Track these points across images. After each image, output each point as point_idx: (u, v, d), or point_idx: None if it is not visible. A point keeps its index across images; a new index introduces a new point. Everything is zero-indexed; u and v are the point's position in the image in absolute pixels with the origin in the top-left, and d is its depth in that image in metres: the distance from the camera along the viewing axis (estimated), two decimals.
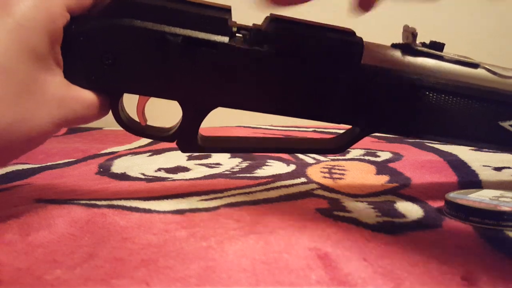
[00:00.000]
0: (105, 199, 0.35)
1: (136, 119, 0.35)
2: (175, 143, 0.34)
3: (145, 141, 0.70)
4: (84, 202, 0.34)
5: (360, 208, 0.33)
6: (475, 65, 0.34)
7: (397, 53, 0.33)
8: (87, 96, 0.31)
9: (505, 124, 0.33)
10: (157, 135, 0.35)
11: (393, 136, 0.37)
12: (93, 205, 0.33)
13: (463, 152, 0.56)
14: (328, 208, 0.33)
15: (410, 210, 0.33)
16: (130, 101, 0.35)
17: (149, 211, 0.32)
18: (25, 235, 0.27)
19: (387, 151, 0.58)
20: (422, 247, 0.26)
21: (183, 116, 0.33)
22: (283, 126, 0.88)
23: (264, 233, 0.28)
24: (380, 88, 0.32)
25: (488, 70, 0.33)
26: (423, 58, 0.33)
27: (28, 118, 0.27)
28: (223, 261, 0.24)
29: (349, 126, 0.35)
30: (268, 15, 0.32)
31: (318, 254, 0.25)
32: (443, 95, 0.33)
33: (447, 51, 0.34)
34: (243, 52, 0.31)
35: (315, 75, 0.32)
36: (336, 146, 0.35)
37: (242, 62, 0.31)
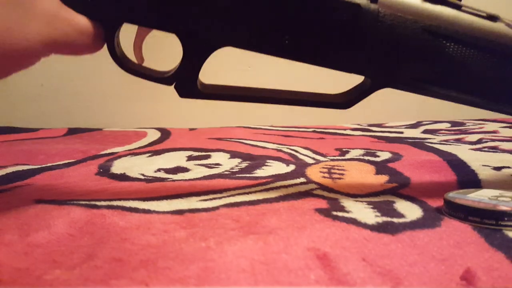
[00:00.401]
0: (104, 200, 0.35)
1: (133, 59, 0.33)
2: (173, 86, 0.32)
3: (144, 141, 0.70)
4: (83, 202, 0.34)
5: (359, 208, 0.33)
6: (494, 18, 0.32)
7: (415, 0, 0.31)
8: (81, 21, 0.29)
9: None
10: (154, 75, 0.32)
11: (393, 136, 0.37)
12: (93, 206, 0.33)
13: (463, 152, 0.56)
14: (327, 208, 0.33)
15: (409, 210, 0.33)
16: (127, 41, 0.33)
17: (148, 211, 0.32)
18: (24, 235, 0.27)
19: (386, 151, 0.58)
20: (421, 247, 0.26)
21: (183, 54, 0.31)
22: (283, 127, 0.88)
23: (263, 233, 0.28)
24: (395, 35, 0.30)
25: (508, 24, 0.32)
26: (442, 6, 0.31)
27: (15, 29, 0.26)
28: (222, 262, 0.24)
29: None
30: None
31: (317, 254, 0.25)
32: (460, 46, 0.31)
33: (465, 3, 0.32)
34: None
35: (328, 14, 0.30)
36: (344, 100, 0.34)
37: None
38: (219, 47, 0.31)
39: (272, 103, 0.34)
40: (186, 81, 0.31)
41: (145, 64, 0.34)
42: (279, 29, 0.30)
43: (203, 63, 0.31)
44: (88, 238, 0.27)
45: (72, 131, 0.86)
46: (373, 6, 0.30)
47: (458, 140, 0.68)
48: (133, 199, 0.35)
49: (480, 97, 0.33)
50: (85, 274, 0.23)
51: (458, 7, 0.31)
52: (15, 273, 0.23)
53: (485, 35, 0.31)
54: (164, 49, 0.35)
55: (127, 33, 0.33)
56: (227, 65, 0.96)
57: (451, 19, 0.31)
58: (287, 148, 0.62)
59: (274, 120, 0.93)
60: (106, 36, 0.31)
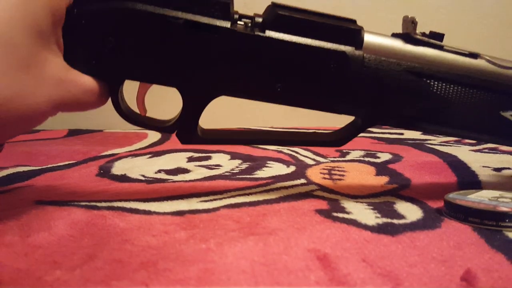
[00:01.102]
0: (105, 201, 0.35)
1: (136, 110, 0.35)
2: (175, 134, 0.34)
3: (145, 143, 0.70)
4: (84, 203, 0.34)
5: (360, 209, 0.33)
6: (475, 56, 0.34)
7: (398, 42, 0.33)
8: (87, 81, 0.30)
9: (507, 114, 0.33)
10: (157, 125, 0.34)
11: (393, 137, 0.37)
12: (93, 207, 0.33)
13: (463, 153, 0.56)
14: (328, 209, 0.33)
15: (410, 211, 0.33)
16: (130, 94, 0.35)
17: (149, 212, 0.32)
18: (25, 236, 0.27)
19: (387, 152, 0.58)
20: (421, 248, 0.26)
21: (183, 105, 0.33)
22: (284, 128, 0.88)
23: (264, 235, 0.28)
24: (381, 78, 0.32)
25: (488, 60, 0.34)
26: (424, 47, 0.33)
27: (26, 94, 0.27)
28: (222, 263, 0.24)
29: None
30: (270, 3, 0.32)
31: (317, 255, 0.25)
32: (444, 84, 0.32)
33: (446, 42, 0.34)
34: (244, 38, 0.31)
35: (316, 63, 0.32)
36: (336, 139, 0.35)
37: (244, 48, 0.31)
38: (216, 96, 0.32)
39: (269, 144, 0.36)
40: (186, 129, 0.33)
41: (148, 114, 0.35)
42: (271, 78, 0.32)
43: (202, 112, 0.33)
44: (88, 239, 0.27)
45: (72, 132, 0.86)
46: (358, 52, 0.32)
47: (458, 141, 0.68)
48: (134, 200, 0.35)
49: (469, 131, 0.35)
50: (85, 275, 0.23)
51: (440, 47, 0.33)
52: (16, 273, 0.23)
53: (467, 72, 0.33)
54: (167, 99, 0.36)
55: (131, 85, 0.34)
56: None
57: (433, 59, 0.33)
58: (288, 149, 0.62)
59: (275, 122, 0.93)
60: (111, 92, 0.32)
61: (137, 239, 0.27)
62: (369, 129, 0.87)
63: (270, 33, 0.31)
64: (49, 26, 0.28)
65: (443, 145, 0.64)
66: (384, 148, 0.61)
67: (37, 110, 0.28)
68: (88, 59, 0.30)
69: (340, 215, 0.32)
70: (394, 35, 0.34)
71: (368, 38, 0.32)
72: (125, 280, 0.22)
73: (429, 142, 0.68)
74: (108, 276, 0.22)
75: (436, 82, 0.32)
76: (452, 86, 0.33)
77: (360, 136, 0.81)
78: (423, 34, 0.33)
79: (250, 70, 0.31)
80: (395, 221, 0.30)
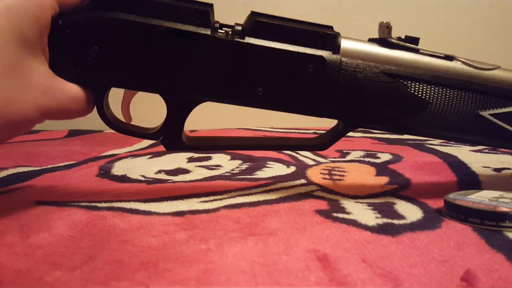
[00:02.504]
0: (105, 201, 0.35)
1: (122, 118, 0.35)
2: (159, 141, 0.34)
3: (145, 143, 0.70)
4: (84, 204, 0.34)
5: (360, 210, 0.33)
6: (450, 58, 0.34)
7: (374, 47, 0.34)
8: (73, 89, 0.31)
9: (485, 114, 0.34)
10: (142, 132, 0.35)
11: (393, 137, 0.37)
12: (93, 208, 0.33)
13: (463, 153, 0.56)
14: (328, 210, 0.33)
15: (410, 211, 0.33)
16: (116, 104, 0.35)
17: (149, 213, 0.32)
18: (25, 237, 0.27)
19: (387, 152, 0.58)
20: (421, 248, 0.26)
21: (167, 112, 0.33)
22: (283, 128, 0.88)
23: (264, 235, 0.28)
24: (358, 81, 0.33)
25: (463, 62, 0.34)
26: (400, 51, 0.34)
27: (12, 101, 0.28)
28: (222, 264, 0.24)
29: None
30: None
31: (317, 255, 0.25)
32: (420, 84, 0.33)
33: (421, 46, 0.34)
34: (224, 44, 0.31)
35: (295, 67, 0.32)
36: (320, 143, 0.36)
37: (224, 54, 0.32)
38: (200, 102, 0.33)
39: (253, 149, 0.37)
40: (171, 135, 0.34)
41: (135, 122, 0.36)
42: (252, 83, 0.33)
43: (186, 118, 0.34)
44: (88, 240, 0.27)
45: (73, 133, 0.86)
46: (335, 56, 0.33)
47: None
48: (134, 201, 0.35)
49: (450, 131, 0.35)
50: (85, 275, 0.23)
51: (415, 50, 0.34)
52: (16, 274, 0.23)
53: (443, 73, 0.34)
54: (154, 108, 0.37)
55: (117, 93, 0.35)
56: None
57: (409, 61, 0.34)
58: None
59: (275, 122, 0.93)
60: (96, 100, 0.33)
61: (137, 240, 0.27)
62: (369, 129, 0.87)
63: (249, 40, 0.32)
64: (35, 35, 0.29)
65: (443, 145, 0.64)
66: (384, 149, 0.61)
67: (23, 116, 0.29)
68: (73, 68, 0.31)
69: (340, 215, 0.32)
70: (371, 40, 0.34)
71: (345, 43, 0.33)
72: (125, 281, 0.22)
73: (429, 142, 0.68)
74: (108, 277, 0.22)
75: (412, 83, 0.33)
76: (428, 86, 0.33)
77: (360, 137, 0.81)
78: (399, 38, 0.34)
79: (232, 75, 0.32)
80: (395, 221, 0.30)
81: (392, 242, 0.27)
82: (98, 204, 0.34)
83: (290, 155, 0.57)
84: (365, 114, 0.34)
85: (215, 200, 0.36)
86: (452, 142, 0.67)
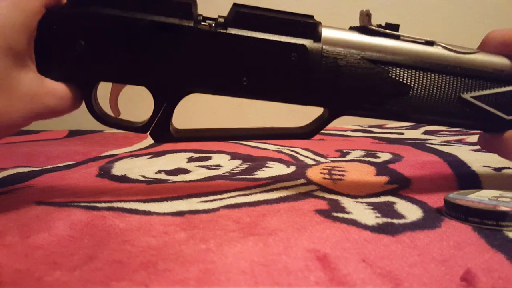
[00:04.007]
0: (105, 202, 0.35)
1: (110, 113, 0.36)
2: (148, 133, 0.35)
3: (145, 143, 0.70)
4: (84, 204, 0.34)
5: (360, 209, 0.33)
6: (431, 43, 0.35)
7: (354, 35, 0.34)
8: (60, 89, 0.31)
9: (467, 96, 0.34)
10: (130, 126, 0.35)
11: (393, 137, 0.37)
12: (93, 208, 0.33)
13: (463, 153, 0.56)
14: (328, 209, 0.33)
15: (410, 210, 0.33)
16: (104, 99, 0.36)
17: (149, 213, 0.32)
18: (25, 237, 0.27)
19: (387, 152, 0.58)
20: (421, 248, 0.26)
21: (154, 104, 0.34)
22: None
23: (263, 235, 0.28)
24: (339, 67, 0.33)
25: (444, 47, 0.35)
26: (380, 38, 0.34)
27: (1, 114, 0.28)
28: (222, 264, 0.24)
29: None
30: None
31: (317, 255, 0.25)
32: (402, 69, 0.34)
33: (402, 32, 0.35)
34: (207, 35, 0.32)
35: (277, 56, 0.33)
36: (306, 131, 0.36)
37: (208, 45, 0.32)
38: (186, 94, 0.34)
39: (242, 140, 0.37)
40: (159, 128, 0.35)
41: (123, 116, 0.37)
42: (237, 73, 0.33)
43: (173, 110, 0.34)
44: (88, 240, 0.27)
45: (73, 133, 0.86)
46: (316, 45, 0.33)
47: (459, 141, 0.68)
48: (134, 201, 0.35)
49: (435, 115, 0.35)
50: (85, 275, 0.23)
51: (396, 37, 0.35)
52: (16, 274, 0.23)
53: (423, 58, 0.34)
54: (143, 103, 0.37)
55: (104, 89, 0.36)
56: None
57: (389, 47, 0.34)
58: (288, 149, 0.62)
59: (275, 122, 0.93)
60: (84, 95, 0.33)
61: (137, 240, 0.27)
62: (369, 129, 0.87)
63: (232, 30, 0.32)
64: (23, 46, 0.29)
65: (443, 144, 0.64)
66: (384, 148, 0.61)
67: (11, 125, 0.29)
68: (61, 65, 0.32)
69: (340, 215, 0.32)
70: (351, 28, 0.35)
71: (326, 31, 0.34)
72: (125, 281, 0.22)
73: (429, 142, 0.68)
74: (108, 277, 0.22)
75: (393, 68, 0.34)
76: (409, 71, 0.34)
77: (360, 136, 0.81)
78: (379, 25, 0.35)
79: (216, 66, 0.33)
80: (395, 221, 0.30)
81: (392, 242, 0.27)
82: (98, 204, 0.34)
83: (290, 155, 0.57)
84: (348, 101, 0.34)
85: (215, 200, 0.36)
86: (452, 142, 0.67)
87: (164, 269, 0.23)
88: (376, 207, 0.33)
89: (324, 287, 0.22)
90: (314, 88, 0.34)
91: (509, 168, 0.47)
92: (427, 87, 0.34)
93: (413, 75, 0.34)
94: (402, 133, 0.80)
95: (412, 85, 0.34)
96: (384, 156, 0.55)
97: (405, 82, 0.34)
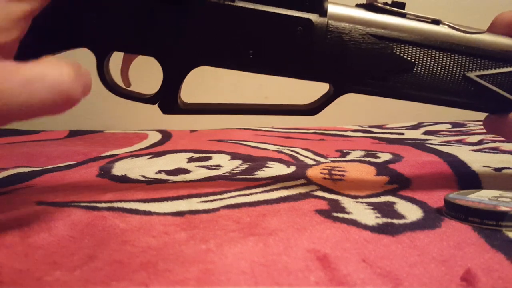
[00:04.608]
0: (105, 202, 0.35)
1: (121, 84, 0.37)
2: (157, 105, 0.36)
3: (145, 143, 0.70)
4: (84, 204, 0.34)
5: (360, 209, 0.33)
6: (437, 22, 0.35)
7: (360, 11, 0.35)
8: (51, 73, 0.23)
9: (472, 75, 0.34)
10: (140, 97, 0.36)
11: (394, 137, 0.37)
12: (94, 208, 0.33)
13: (463, 153, 0.56)
14: (328, 209, 0.33)
15: (410, 211, 0.33)
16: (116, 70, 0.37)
17: (149, 213, 0.32)
18: (25, 237, 0.27)
19: (387, 152, 0.58)
20: (421, 248, 0.26)
21: (163, 76, 0.35)
22: (283, 128, 0.88)
23: (263, 235, 0.28)
24: (344, 42, 0.34)
25: (450, 26, 0.35)
26: (386, 15, 0.35)
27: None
28: (222, 264, 0.24)
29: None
30: None
31: (317, 255, 0.25)
32: (406, 46, 0.34)
33: (408, 11, 0.35)
34: (215, 7, 0.33)
35: (284, 30, 0.33)
36: (312, 108, 0.37)
37: (215, 17, 0.33)
38: (194, 67, 0.34)
39: (248, 114, 0.38)
40: (168, 100, 0.35)
41: (133, 88, 0.38)
42: (244, 45, 0.34)
43: (182, 82, 0.35)
44: (88, 240, 0.27)
45: (73, 133, 0.86)
46: (322, 19, 0.34)
47: (459, 141, 0.68)
48: (134, 201, 0.35)
49: (438, 93, 0.35)
50: (85, 275, 0.23)
51: (402, 14, 0.35)
52: (16, 274, 0.23)
53: (428, 36, 0.34)
54: (152, 74, 0.37)
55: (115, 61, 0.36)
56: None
57: (395, 25, 0.34)
58: (288, 149, 0.62)
59: (275, 122, 0.93)
60: (97, 65, 0.34)
61: (137, 240, 0.27)
62: (369, 129, 0.87)
63: (239, 3, 0.33)
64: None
65: (444, 145, 0.64)
66: (384, 148, 0.61)
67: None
68: (73, 33, 0.32)
69: (340, 215, 0.32)
70: (358, 5, 0.35)
71: (332, 7, 0.34)
72: (125, 281, 0.22)
73: (429, 142, 0.68)
74: (108, 277, 0.22)
75: (398, 45, 0.34)
76: (414, 48, 0.34)
77: (361, 136, 0.81)
78: (385, 3, 0.35)
79: (223, 38, 0.33)
80: (395, 221, 0.30)
81: (392, 242, 0.27)
82: (98, 204, 0.34)
83: (290, 155, 0.57)
84: (352, 76, 0.35)
85: (215, 200, 0.36)
86: (452, 142, 0.67)
87: (164, 269, 0.23)
88: (376, 207, 0.33)
89: (324, 287, 0.22)
90: (318, 63, 0.34)
91: (509, 168, 0.47)
92: (432, 65, 0.34)
93: (418, 53, 0.34)
94: (402, 133, 0.80)
95: (416, 62, 0.34)
96: (384, 156, 0.55)
97: (409, 59, 0.34)
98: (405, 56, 0.34)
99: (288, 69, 0.35)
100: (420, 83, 0.35)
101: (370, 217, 0.31)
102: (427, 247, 0.26)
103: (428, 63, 0.34)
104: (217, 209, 0.33)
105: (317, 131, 0.84)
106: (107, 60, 0.35)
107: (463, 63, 0.34)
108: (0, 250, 0.26)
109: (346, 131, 0.85)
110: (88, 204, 0.34)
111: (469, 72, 0.34)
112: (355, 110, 1.06)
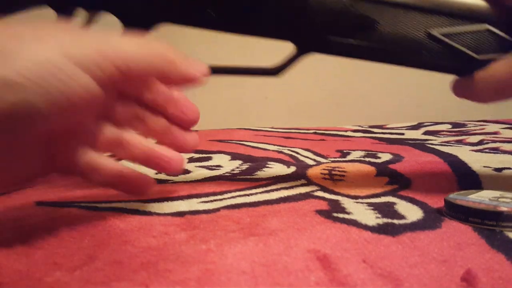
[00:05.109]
0: (105, 202, 0.35)
1: None
2: None
3: None
4: (84, 204, 0.34)
5: (360, 210, 0.33)
6: None
7: None
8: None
9: (436, 33, 0.34)
10: None
11: (394, 137, 0.37)
12: (93, 208, 0.33)
13: (464, 153, 0.56)
14: (328, 210, 0.33)
15: (410, 211, 0.33)
16: None
17: (149, 213, 0.32)
18: (25, 237, 0.27)
19: (387, 152, 0.58)
20: (421, 248, 0.26)
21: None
22: (284, 128, 0.88)
23: (264, 235, 0.28)
24: (308, 1, 0.33)
25: None
26: None
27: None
28: (222, 264, 0.24)
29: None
30: None
31: (317, 255, 0.25)
32: (368, 3, 0.34)
33: None
34: None
35: None
36: (273, 68, 0.36)
37: None
38: (155, 24, 0.34)
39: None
40: None
41: None
42: (202, 4, 0.34)
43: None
44: (88, 240, 0.27)
45: None
46: None
47: (459, 142, 0.68)
48: (134, 201, 0.35)
49: (402, 50, 0.35)
50: (85, 276, 0.23)
51: None
52: (16, 275, 0.23)
53: None
54: None
55: None
56: None
57: None
58: (288, 149, 0.62)
59: (275, 122, 0.93)
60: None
61: (137, 240, 0.27)
62: (370, 129, 0.87)
63: None
64: None
65: (444, 145, 0.64)
66: (384, 148, 0.61)
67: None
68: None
69: (341, 215, 0.32)
70: None
71: None
72: (125, 281, 0.22)
73: (429, 142, 0.68)
74: (108, 277, 0.22)
75: (359, 2, 0.34)
76: (375, 5, 0.34)
77: (361, 137, 0.81)
78: None
79: None
80: (396, 221, 0.30)
81: (392, 242, 0.27)
82: (98, 205, 0.34)
83: (290, 155, 0.57)
84: (314, 34, 0.34)
85: (215, 200, 0.36)
86: (452, 142, 0.67)
87: (164, 270, 0.23)
88: (376, 207, 0.33)
89: (324, 287, 0.22)
90: (280, 20, 0.34)
91: (509, 168, 0.47)
92: (395, 22, 0.34)
93: (379, 9, 0.34)
94: (403, 134, 0.80)
95: (378, 19, 0.34)
96: (385, 157, 0.55)
97: (370, 16, 0.34)
98: (366, 14, 0.34)
99: (249, 27, 0.34)
100: (384, 40, 0.34)
101: (371, 217, 0.31)
102: (428, 247, 0.26)
103: (390, 20, 0.34)
104: (217, 210, 0.33)
105: (317, 131, 0.84)
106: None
107: (427, 21, 0.34)
108: (0, 251, 0.26)
109: (346, 131, 0.85)
110: (88, 204, 0.34)
111: (433, 29, 0.34)
112: (355, 110, 1.07)
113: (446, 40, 0.34)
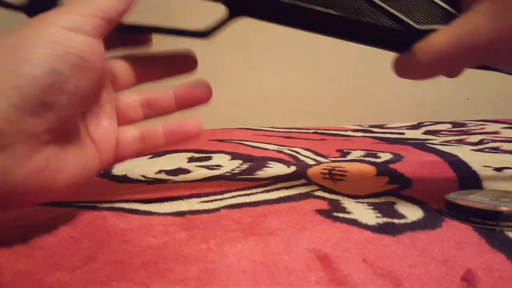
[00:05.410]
0: (105, 202, 0.35)
1: None
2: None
3: None
4: (84, 204, 0.34)
5: (360, 209, 0.33)
6: None
7: None
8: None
9: None
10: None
11: (394, 137, 0.37)
12: (94, 208, 0.33)
13: (464, 153, 0.56)
14: (328, 209, 0.33)
15: (410, 211, 0.33)
16: None
17: (149, 213, 0.32)
18: (25, 237, 0.27)
19: (387, 152, 0.58)
20: (422, 248, 0.26)
21: None
22: (284, 128, 0.88)
23: (264, 235, 0.28)
24: None
25: None
26: None
27: None
28: (223, 263, 0.24)
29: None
30: None
31: (317, 255, 0.25)
32: None
33: None
34: None
35: None
36: (203, 31, 0.35)
37: None
38: None
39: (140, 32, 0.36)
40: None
41: None
42: None
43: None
44: (89, 240, 0.27)
45: None
46: None
47: (459, 141, 0.68)
48: (134, 201, 0.35)
49: (339, 12, 0.32)
50: (86, 276, 0.23)
51: None
52: (16, 275, 0.23)
53: None
54: None
55: None
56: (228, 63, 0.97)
57: None
58: (288, 149, 0.62)
59: (275, 122, 0.93)
60: None
61: (137, 240, 0.27)
62: (370, 128, 0.87)
63: None
64: None
65: (444, 144, 0.64)
66: (384, 148, 0.61)
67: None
68: None
69: (341, 215, 0.32)
70: None
71: None
72: (125, 281, 0.22)
73: (430, 141, 0.68)
74: (108, 277, 0.22)
75: None
76: None
77: (361, 136, 0.81)
78: None
79: None
80: (396, 221, 0.30)
81: (392, 242, 0.27)
82: (98, 205, 0.34)
83: (290, 155, 0.57)
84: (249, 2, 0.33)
85: (215, 200, 0.36)
86: (452, 142, 0.67)
87: (164, 269, 0.23)
88: (376, 207, 0.33)
89: (324, 287, 0.22)
90: None
91: (510, 168, 0.47)
92: None
93: None
94: (403, 133, 0.80)
95: None
96: (385, 156, 0.55)
97: None
98: None
99: None
100: (317, 3, 0.32)
101: (371, 217, 0.31)
102: (428, 247, 0.26)
103: None
104: (218, 209, 0.33)
105: (318, 131, 0.84)
106: None
107: None
108: (1, 251, 0.26)
109: (346, 131, 0.85)
110: (88, 204, 0.34)
111: None
112: (355, 110, 1.07)
113: (385, 6, 0.32)
